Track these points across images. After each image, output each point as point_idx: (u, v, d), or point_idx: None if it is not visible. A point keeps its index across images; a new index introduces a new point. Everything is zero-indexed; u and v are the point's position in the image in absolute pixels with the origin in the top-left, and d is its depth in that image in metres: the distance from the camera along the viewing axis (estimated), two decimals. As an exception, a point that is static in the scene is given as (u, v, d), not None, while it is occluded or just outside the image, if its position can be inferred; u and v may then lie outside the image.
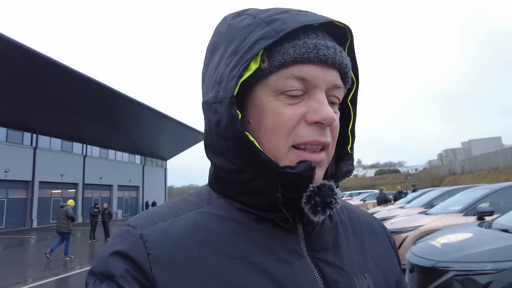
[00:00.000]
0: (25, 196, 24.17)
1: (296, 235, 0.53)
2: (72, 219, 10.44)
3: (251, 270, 0.47)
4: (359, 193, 27.06)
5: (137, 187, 37.76)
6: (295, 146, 0.50)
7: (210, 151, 0.56)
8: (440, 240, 3.62)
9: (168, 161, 45.35)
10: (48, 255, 9.71)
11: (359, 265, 0.55)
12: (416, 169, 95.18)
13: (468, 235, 3.52)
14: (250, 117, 0.52)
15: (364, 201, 20.22)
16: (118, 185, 34.04)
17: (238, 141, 0.48)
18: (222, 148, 0.52)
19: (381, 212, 10.13)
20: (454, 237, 3.55)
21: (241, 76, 0.48)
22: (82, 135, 28.55)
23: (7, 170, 22.33)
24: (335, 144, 0.54)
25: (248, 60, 0.48)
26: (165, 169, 44.80)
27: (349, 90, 0.58)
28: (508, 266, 2.69)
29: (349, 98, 0.60)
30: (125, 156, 36.14)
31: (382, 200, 13.72)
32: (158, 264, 0.46)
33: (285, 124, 0.49)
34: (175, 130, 34.35)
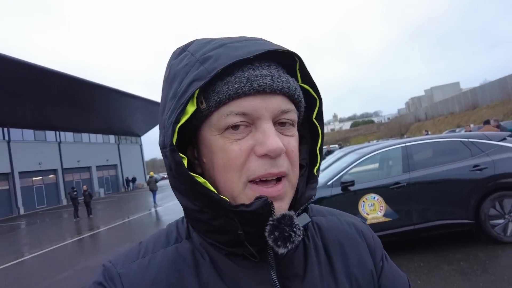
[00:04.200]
0: (7, 187, 25.70)
1: (267, 263, 0.53)
2: (156, 181, 18.81)
3: None
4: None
5: (115, 165, 39.48)
6: (252, 182, 0.49)
7: (175, 190, 0.55)
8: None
9: (146, 136, 46.92)
10: (155, 207, 16.96)
11: None
12: (388, 118, 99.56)
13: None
14: (203, 157, 0.53)
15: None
16: (97, 166, 35.68)
17: (189, 185, 0.49)
18: (181, 189, 0.52)
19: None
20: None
21: (177, 122, 0.47)
22: (54, 123, 29.65)
23: (-14, 165, 23.75)
24: (297, 169, 0.53)
25: (182, 104, 0.47)
26: (140, 145, 46.41)
27: (313, 108, 0.59)
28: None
29: (314, 116, 0.59)
30: (99, 137, 37.42)
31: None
32: None
33: (234, 160, 0.48)
34: (145, 107, 35.67)
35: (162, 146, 0.51)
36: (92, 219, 16.12)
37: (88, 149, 34.72)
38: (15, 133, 26.92)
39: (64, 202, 29.73)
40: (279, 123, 0.51)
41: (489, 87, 41.13)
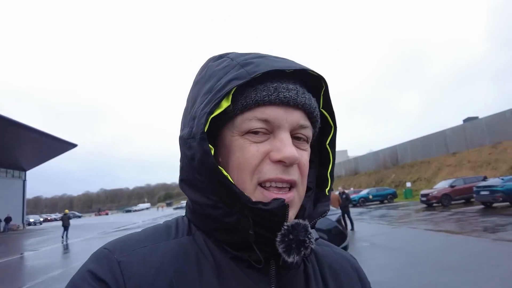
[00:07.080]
0: None
1: (268, 277, 0.53)
2: (70, 218, 20.35)
3: None
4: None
5: (-13, 201, 34.20)
6: (261, 185, 0.51)
7: (186, 185, 0.57)
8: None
9: (35, 170, 42.07)
10: (65, 241, 18.50)
11: None
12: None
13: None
14: (220, 156, 0.55)
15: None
16: (-38, 200, 30.50)
17: (212, 176, 0.49)
18: (197, 182, 0.53)
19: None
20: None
21: (211, 113, 0.50)
22: None
23: None
24: (305, 182, 0.55)
25: (219, 97, 0.50)
26: (24, 181, 41.33)
27: (327, 134, 0.62)
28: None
29: (327, 142, 0.62)
30: (-27, 167, 32.50)
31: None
32: None
33: (250, 160, 0.50)
34: (38, 141, 32.68)
35: (188, 137, 0.53)
36: None
37: (-47, 180, 29.64)
38: None
39: None
40: (294, 137, 0.54)
41: (367, 157, 49.06)
